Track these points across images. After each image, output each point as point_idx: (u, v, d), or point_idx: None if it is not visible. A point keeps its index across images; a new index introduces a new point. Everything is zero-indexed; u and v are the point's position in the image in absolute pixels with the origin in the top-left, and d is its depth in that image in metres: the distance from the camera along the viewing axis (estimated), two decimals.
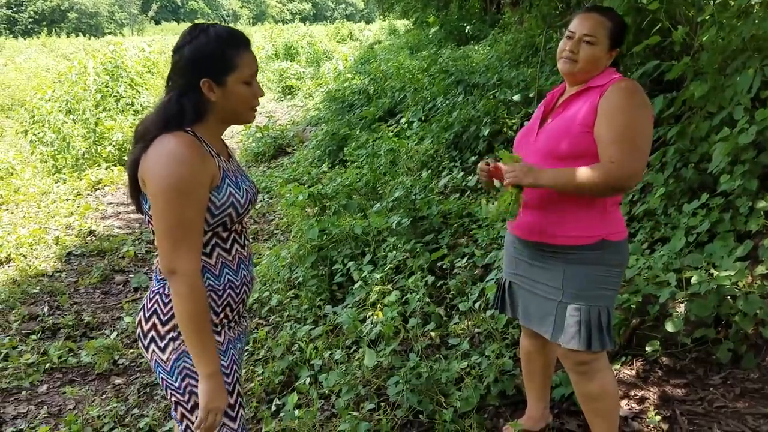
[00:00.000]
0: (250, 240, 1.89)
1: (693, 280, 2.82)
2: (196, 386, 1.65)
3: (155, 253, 1.73)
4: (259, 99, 1.73)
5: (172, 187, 1.54)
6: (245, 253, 1.80)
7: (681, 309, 2.96)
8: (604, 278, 2.09)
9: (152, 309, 1.70)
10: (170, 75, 1.68)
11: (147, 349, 1.72)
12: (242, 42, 1.66)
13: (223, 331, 1.75)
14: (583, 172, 1.95)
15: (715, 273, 2.82)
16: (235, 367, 1.77)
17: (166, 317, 1.68)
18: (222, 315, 1.73)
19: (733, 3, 3.82)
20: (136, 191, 1.68)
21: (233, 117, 1.72)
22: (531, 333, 2.45)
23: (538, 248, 2.17)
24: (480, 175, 2.28)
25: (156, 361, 1.70)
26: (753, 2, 3.80)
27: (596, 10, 2.13)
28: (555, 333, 2.15)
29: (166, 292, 1.67)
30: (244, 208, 1.72)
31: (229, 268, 1.73)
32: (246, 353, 3.64)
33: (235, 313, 1.78)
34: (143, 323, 1.72)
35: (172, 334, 1.68)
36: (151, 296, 1.72)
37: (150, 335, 1.70)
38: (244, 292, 1.79)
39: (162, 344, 1.68)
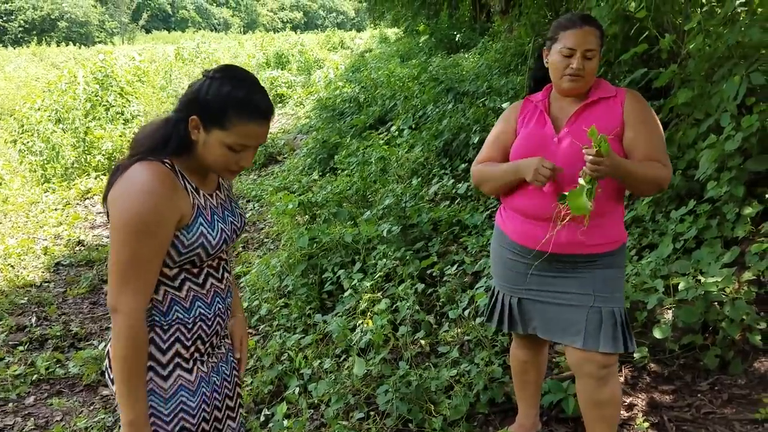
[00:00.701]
0: (231, 270, 1.82)
1: (680, 287, 2.83)
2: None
3: None
4: (241, 166, 1.61)
5: (131, 223, 1.46)
6: (222, 286, 1.71)
7: (669, 315, 2.97)
8: (621, 279, 2.19)
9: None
10: (186, 92, 1.59)
11: (113, 383, 1.60)
12: (257, 111, 1.54)
13: (195, 368, 1.66)
14: (649, 169, 2.03)
15: (703, 279, 2.83)
16: (204, 407, 1.66)
17: (166, 345, 1.60)
18: (192, 348, 1.65)
19: (719, 11, 3.85)
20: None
21: (209, 168, 1.62)
22: (526, 344, 2.44)
23: (564, 260, 2.14)
24: (538, 180, 2.04)
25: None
26: (739, 10, 3.84)
27: (587, 22, 2.12)
28: (587, 340, 2.12)
29: (162, 325, 1.60)
30: (216, 249, 1.62)
31: (202, 301, 1.65)
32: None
33: (207, 345, 1.69)
34: (108, 358, 1.63)
35: (172, 365, 1.61)
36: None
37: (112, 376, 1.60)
38: (217, 324, 1.71)
39: (164, 373, 1.60)
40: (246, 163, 1.60)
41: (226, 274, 1.74)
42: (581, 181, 1.93)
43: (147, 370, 1.56)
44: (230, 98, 1.51)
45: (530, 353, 2.47)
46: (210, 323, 1.68)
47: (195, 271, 1.62)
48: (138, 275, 1.49)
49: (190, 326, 1.63)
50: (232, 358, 1.86)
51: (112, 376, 1.62)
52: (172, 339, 1.61)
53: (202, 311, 1.65)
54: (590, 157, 1.89)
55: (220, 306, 1.71)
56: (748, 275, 2.86)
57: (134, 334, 1.49)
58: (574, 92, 2.15)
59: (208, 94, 1.52)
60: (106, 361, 1.66)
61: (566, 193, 1.94)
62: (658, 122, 2.13)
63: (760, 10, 3.79)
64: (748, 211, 3.09)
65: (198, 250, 1.58)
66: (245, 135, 1.54)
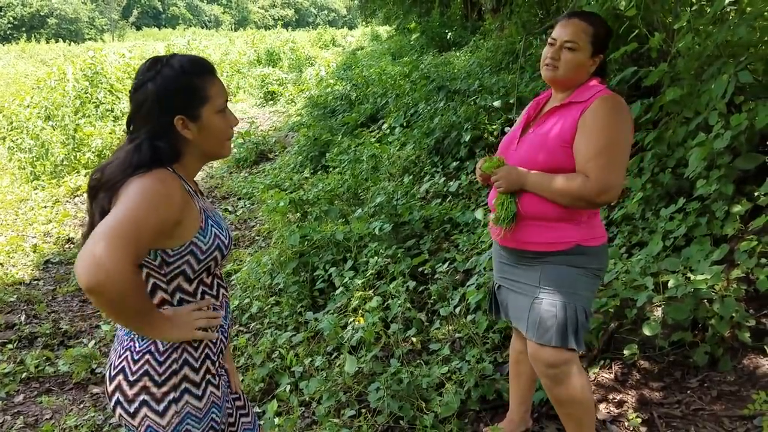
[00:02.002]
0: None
1: (670, 284, 2.84)
2: None
3: None
4: (233, 128, 1.63)
5: (147, 193, 1.39)
6: (228, 294, 1.72)
7: (658, 312, 2.99)
8: (579, 278, 2.13)
9: (141, 370, 1.51)
10: (133, 116, 1.52)
11: (135, 415, 1.52)
12: (208, 69, 1.55)
13: (220, 382, 1.62)
14: (560, 181, 2.01)
15: (692, 277, 2.84)
16: (223, 419, 1.65)
17: (162, 378, 1.51)
18: (217, 363, 1.63)
19: (708, 10, 3.87)
20: None
21: (210, 153, 1.60)
22: (520, 334, 2.47)
23: (519, 254, 2.21)
24: (478, 178, 2.30)
25: (150, 426, 1.52)
26: (728, 9, 3.86)
27: (578, 16, 2.13)
28: (530, 329, 2.17)
29: (159, 349, 1.52)
30: (228, 249, 1.61)
31: (218, 311, 1.64)
32: None
33: (216, 365, 1.64)
34: (125, 387, 1.52)
35: (173, 395, 1.52)
36: (136, 357, 1.53)
37: (141, 399, 1.51)
38: (228, 335, 1.69)
39: (160, 408, 1.51)
40: (234, 119, 1.61)
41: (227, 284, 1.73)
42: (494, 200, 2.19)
43: (183, 392, 1.51)
44: (186, 75, 1.50)
45: (524, 344, 2.46)
46: (226, 334, 1.67)
47: (208, 282, 1.60)
48: (136, 239, 1.35)
49: (215, 340, 1.62)
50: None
51: (133, 408, 1.52)
52: (203, 356, 1.59)
53: (221, 322, 1.63)
54: (492, 174, 2.14)
55: (230, 316, 1.72)
56: (737, 273, 2.88)
57: (128, 285, 1.35)
58: (551, 83, 2.19)
59: (168, 91, 1.48)
60: (118, 393, 1.53)
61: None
62: (612, 133, 2.00)
63: (749, 9, 3.81)
64: (737, 209, 3.11)
65: (215, 253, 1.56)
66: (219, 92, 1.55)
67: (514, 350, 2.56)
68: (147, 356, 1.52)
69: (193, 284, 1.56)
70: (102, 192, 1.48)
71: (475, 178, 5.19)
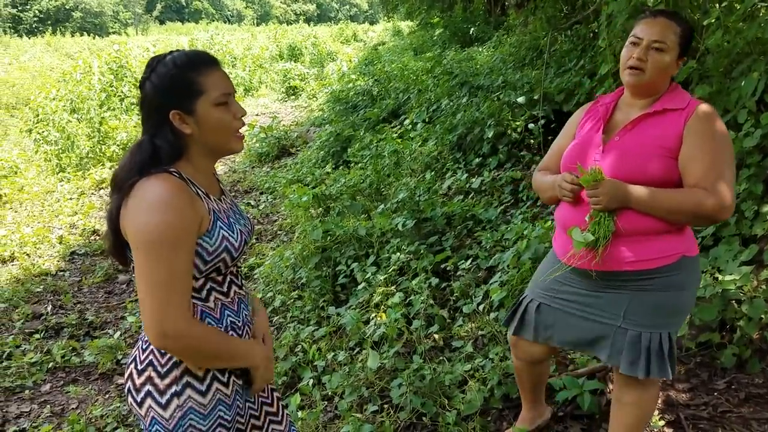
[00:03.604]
0: (244, 280, 1.78)
1: None
2: None
3: None
4: (243, 120, 1.58)
5: (159, 238, 1.39)
6: (243, 293, 1.70)
7: None
8: (672, 304, 1.98)
9: (147, 360, 1.53)
10: (142, 116, 1.55)
11: (141, 405, 1.54)
12: (204, 62, 1.52)
13: (231, 380, 1.60)
14: (677, 198, 1.85)
15: (720, 277, 2.81)
16: (238, 419, 1.64)
17: (164, 369, 1.52)
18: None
19: (738, 6, 3.81)
20: (119, 244, 1.52)
21: (216, 147, 1.57)
22: (524, 353, 2.37)
23: (607, 278, 1.99)
24: (564, 195, 2.02)
25: (154, 417, 1.52)
26: (759, 5, 3.79)
27: (664, 14, 1.98)
28: (612, 356, 2.05)
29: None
30: (239, 251, 1.58)
31: (230, 309, 1.61)
32: None
33: None
34: (135, 376, 1.55)
35: (175, 388, 1.51)
36: (144, 347, 1.56)
37: (146, 389, 1.53)
38: (246, 332, 1.67)
39: (163, 400, 1.51)
40: (240, 110, 1.56)
41: (243, 282, 1.72)
42: (587, 216, 1.93)
43: (184, 387, 1.52)
44: (177, 70, 1.48)
45: (523, 363, 2.41)
46: (240, 332, 1.64)
47: (219, 279, 1.58)
48: (180, 290, 1.43)
49: None
50: None
51: (140, 398, 1.54)
52: None
53: (232, 320, 1.61)
54: (587, 189, 1.88)
55: (246, 313, 1.69)
56: (766, 273, 2.84)
57: (196, 344, 1.46)
58: (636, 89, 2.00)
59: (163, 86, 1.48)
60: (129, 382, 1.57)
61: (572, 228, 1.93)
62: (723, 144, 1.88)
63: None
64: (766, 208, 3.06)
65: (223, 255, 1.53)
66: (218, 84, 1.51)
67: (515, 365, 2.46)
68: (152, 346, 1.53)
69: (200, 281, 1.54)
70: (115, 193, 1.50)
71: (498, 175, 5.17)
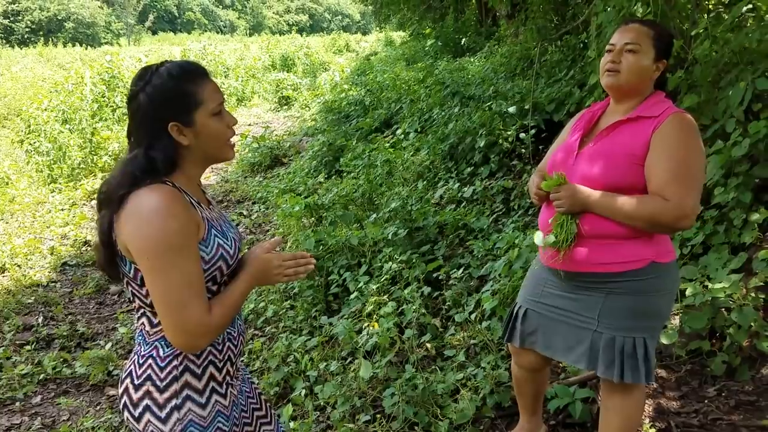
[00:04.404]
0: None
1: (688, 293, 2.83)
2: None
3: (136, 313, 1.58)
4: (234, 128, 1.59)
5: (166, 246, 1.39)
6: None
7: (676, 321, 2.97)
8: (643, 308, 2.00)
9: (144, 375, 1.52)
10: (131, 128, 1.52)
11: (139, 420, 1.53)
12: (198, 73, 1.53)
13: (228, 392, 1.62)
14: (634, 204, 1.87)
15: (710, 285, 2.83)
16: (235, 429, 1.65)
17: (164, 383, 1.51)
18: (224, 371, 1.61)
19: (726, 16, 3.85)
20: (111, 257, 1.50)
21: (211, 157, 1.58)
22: (520, 361, 2.39)
23: (577, 279, 2.06)
24: (533, 197, 2.16)
25: (152, 431, 1.52)
26: (746, 16, 3.84)
27: (636, 21, 2.05)
28: (591, 361, 2.07)
29: (161, 354, 1.52)
30: (234, 259, 1.58)
31: None
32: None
33: (234, 367, 1.66)
34: (131, 391, 1.54)
35: (175, 401, 1.51)
36: (141, 361, 1.53)
37: (144, 404, 1.52)
38: (240, 342, 1.68)
39: (162, 414, 1.51)
40: (232, 119, 1.58)
41: None
42: (550, 219, 2.03)
43: (185, 400, 1.52)
44: (174, 81, 1.47)
45: (524, 371, 2.42)
46: (235, 342, 1.65)
47: (215, 289, 1.56)
48: (196, 291, 1.43)
49: (220, 347, 1.59)
50: (247, 375, 1.85)
51: (137, 413, 1.53)
52: (206, 362, 1.56)
53: (228, 330, 1.62)
54: (551, 193, 1.99)
55: (240, 323, 1.69)
56: (755, 281, 2.86)
57: (221, 327, 1.49)
58: (613, 91, 2.05)
59: (158, 99, 1.47)
60: (125, 397, 1.55)
61: (536, 233, 2.07)
62: (690, 153, 1.89)
63: (767, 15, 3.79)
64: (755, 217, 3.09)
65: (219, 263, 1.53)
66: (212, 94, 1.52)
67: (514, 373, 2.49)
68: (149, 361, 1.52)
69: None
70: (104, 208, 1.48)
71: (490, 184, 5.19)
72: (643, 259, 1.96)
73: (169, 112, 1.47)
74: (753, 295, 2.84)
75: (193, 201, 1.53)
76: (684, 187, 1.85)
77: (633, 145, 1.94)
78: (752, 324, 2.73)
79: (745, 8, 3.75)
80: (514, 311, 2.33)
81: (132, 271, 1.48)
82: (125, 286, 1.54)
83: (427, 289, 3.68)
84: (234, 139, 1.63)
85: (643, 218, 1.88)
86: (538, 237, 2.05)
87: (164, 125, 1.47)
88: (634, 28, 2.01)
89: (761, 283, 2.86)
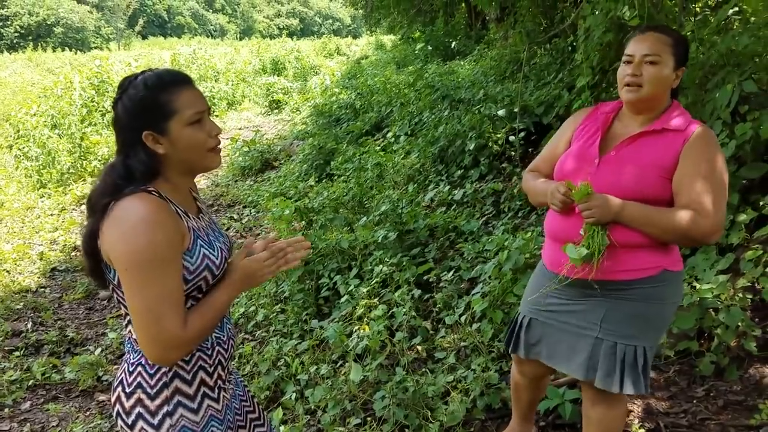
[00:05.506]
0: None
1: None
2: None
3: (124, 320, 1.58)
4: (218, 137, 1.56)
5: (147, 258, 1.38)
6: (228, 313, 1.70)
7: None
8: (649, 316, 1.98)
9: (135, 383, 1.52)
10: (115, 136, 1.53)
11: (132, 427, 1.53)
12: (176, 81, 1.51)
13: (221, 396, 1.63)
14: (673, 217, 1.85)
15: (698, 286, 2.85)
16: None
17: (154, 390, 1.51)
18: (215, 375, 1.61)
19: (712, 19, 3.89)
20: (97, 266, 1.51)
21: (192, 166, 1.56)
22: (522, 370, 2.39)
23: (584, 286, 2.00)
24: (554, 204, 2.02)
25: None
26: (732, 18, 3.88)
27: (652, 29, 1.98)
28: (589, 370, 2.04)
29: (150, 362, 1.51)
30: (220, 269, 1.56)
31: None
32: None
33: (225, 371, 1.66)
34: (123, 399, 1.54)
35: (166, 408, 1.51)
36: (130, 369, 1.54)
37: (136, 411, 1.52)
38: (231, 346, 1.68)
39: (155, 421, 1.51)
40: (214, 128, 1.55)
41: None
42: (581, 230, 1.94)
43: (176, 406, 1.52)
44: (148, 91, 1.47)
45: (525, 379, 2.42)
46: (225, 346, 1.65)
47: (200, 297, 1.55)
48: (173, 305, 1.42)
49: (209, 352, 1.59)
50: (239, 378, 1.85)
51: (131, 420, 1.53)
52: (196, 368, 1.56)
53: (217, 335, 1.62)
54: (579, 204, 1.89)
55: (229, 327, 1.69)
56: (742, 282, 2.88)
57: (196, 340, 1.47)
58: (635, 105, 2.00)
59: (135, 108, 1.47)
60: (118, 405, 1.56)
61: (566, 245, 1.94)
62: (718, 168, 1.88)
63: (753, 18, 3.83)
64: (742, 218, 3.11)
65: (204, 273, 1.52)
66: (190, 102, 1.49)
67: (513, 380, 2.48)
68: (139, 368, 1.52)
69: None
70: (90, 216, 1.49)
71: (480, 187, 5.21)
72: (658, 267, 1.94)
73: (143, 122, 1.46)
74: (740, 295, 2.86)
75: (179, 210, 1.52)
76: (717, 202, 1.85)
77: (663, 157, 1.92)
78: (740, 324, 2.75)
79: (731, 11, 3.79)
80: (518, 320, 2.30)
81: (117, 279, 1.47)
82: (112, 292, 1.54)
83: (417, 292, 3.68)
84: (223, 145, 1.62)
85: (677, 231, 1.85)
86: (570, 250, 1.93)
87: (139, 134, 1.47)
88: (651, 37, 1.95)
89: (748, 284, 2.88)
